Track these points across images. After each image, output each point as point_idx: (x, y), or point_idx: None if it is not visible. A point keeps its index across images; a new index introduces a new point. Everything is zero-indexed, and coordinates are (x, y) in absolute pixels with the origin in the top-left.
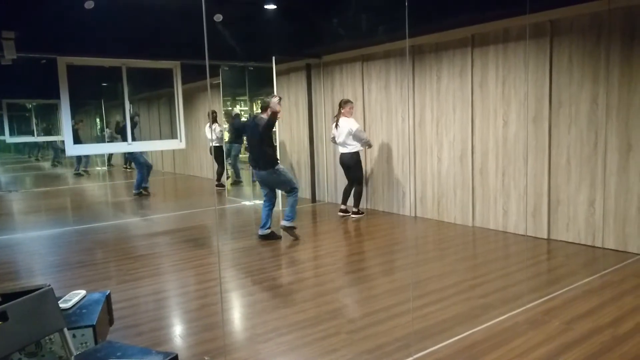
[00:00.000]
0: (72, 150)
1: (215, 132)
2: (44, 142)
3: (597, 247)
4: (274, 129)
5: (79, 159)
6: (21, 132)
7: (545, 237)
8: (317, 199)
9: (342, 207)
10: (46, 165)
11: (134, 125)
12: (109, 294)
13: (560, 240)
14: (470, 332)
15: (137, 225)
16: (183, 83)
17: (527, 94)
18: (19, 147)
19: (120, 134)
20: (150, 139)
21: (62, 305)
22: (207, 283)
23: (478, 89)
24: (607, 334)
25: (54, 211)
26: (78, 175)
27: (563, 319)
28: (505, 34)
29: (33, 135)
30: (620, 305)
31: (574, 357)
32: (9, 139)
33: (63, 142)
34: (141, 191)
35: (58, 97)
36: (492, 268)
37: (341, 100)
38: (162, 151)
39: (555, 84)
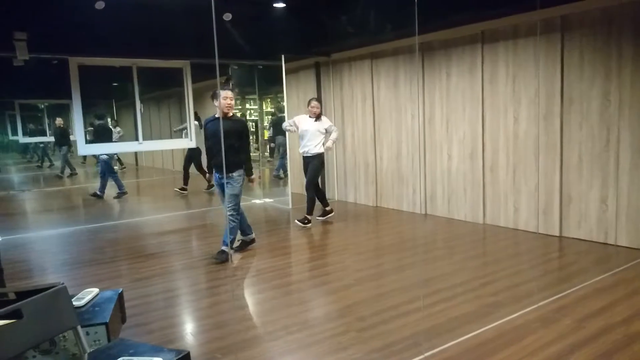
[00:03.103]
0: (84, 150)
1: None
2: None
3: (610, 245)
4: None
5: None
6: (34, 133)
7: (557, 234)
8: (326, 196)
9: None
10: (50, 164)
11: (102, 129)
12: (122, 292)
13: (572, 238)
14: (481, 330)
15: (146, 224)
16: (193, 82)
17: (537, 90)
18: (27, 148)
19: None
20: (161, 138)
21: (76, 303)
22: (217, 281)
23: (488, 86)
24: (619, 333)
25: (65, 210)
26: (60, 177)
27: (575, 317)
28: (516, 30)
29: (46, 135)
30: (633, 304)
31: (586, 356)
32: (22, 139)
33: (49, 142)
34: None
35: (70, 97)
36: (502, 266)
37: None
38: (172, 150)
39: (566, 81)
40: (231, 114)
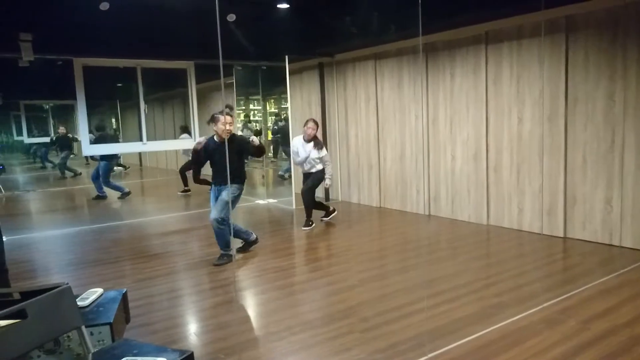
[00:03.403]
0: (89, 150)
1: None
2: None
3: (614, 246)
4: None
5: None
6: (39, 133)
7: (561, 235)
8: (330, 197)
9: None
10: (53, 165)
11: (103, 135)
12: (126, 292)
13: (577, 239)
14: (485, 331)
15: (150, 225)
16: (197, 83)
17: (542, 91)
18: (30, 149)
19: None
20: (165, 138)
21: (80, 303)
22: (220, 282)
23: (492, 87)
24: (625, 334)
25: (69, 211)
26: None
27: (579, 318)
28: (520, 31)
29: (50, 135)
30: (638, 305)
31: (591, 358)
32: (27, 139)
33: (47, 143)
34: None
35: (74, 97)
36: (506, 267)
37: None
38: (176, 151)
39: (571, 81)
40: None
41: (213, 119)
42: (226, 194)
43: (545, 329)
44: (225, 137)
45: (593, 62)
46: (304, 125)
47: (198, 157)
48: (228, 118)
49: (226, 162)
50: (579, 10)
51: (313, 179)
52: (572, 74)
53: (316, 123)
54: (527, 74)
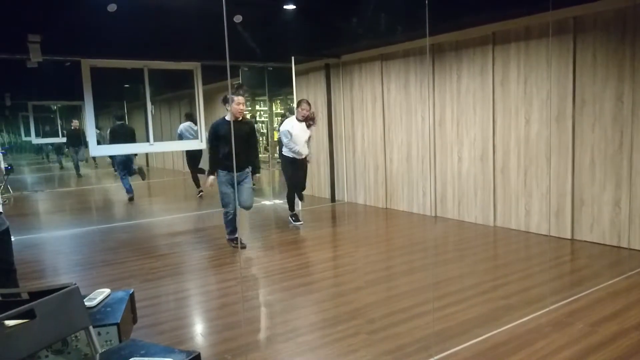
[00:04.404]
0: (96, 150)
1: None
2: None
3: (623, 248)
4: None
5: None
6: (47, 134)
7: (569, 237)
8: (336, 198)
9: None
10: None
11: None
12: (133, 293)
13: (584, 241)
14: (492, 333)
15: (157, 225)
16: (203, 84)
17: (549, 92)
18: (41, 149)
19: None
20: (172, 139)
21: (88, 303)
22: (227, 282)
23: (499, 88)
24: (634, 337)
25: (77, 211)
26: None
27: (587, 321)
28: (527, 32)
29: (58, 136)
30: None
31: None
32: (35, 140)
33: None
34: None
35: (82, 98)
36: (514, 269)
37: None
38: (183, 152)
39: (578, 82)
40: (241, 117)
41: (226, 99)
42: (250, 182)
43: (552, 331)
44: (239, 117)
45: (601, 63)
46: (298, 107)
47: (212, 140)
48: (241, 98)
49: (240, 143)
50: (587, 11)
51: (305, 173)
52: (580, 75)
53: (309, 104)
54: (534, 75)
